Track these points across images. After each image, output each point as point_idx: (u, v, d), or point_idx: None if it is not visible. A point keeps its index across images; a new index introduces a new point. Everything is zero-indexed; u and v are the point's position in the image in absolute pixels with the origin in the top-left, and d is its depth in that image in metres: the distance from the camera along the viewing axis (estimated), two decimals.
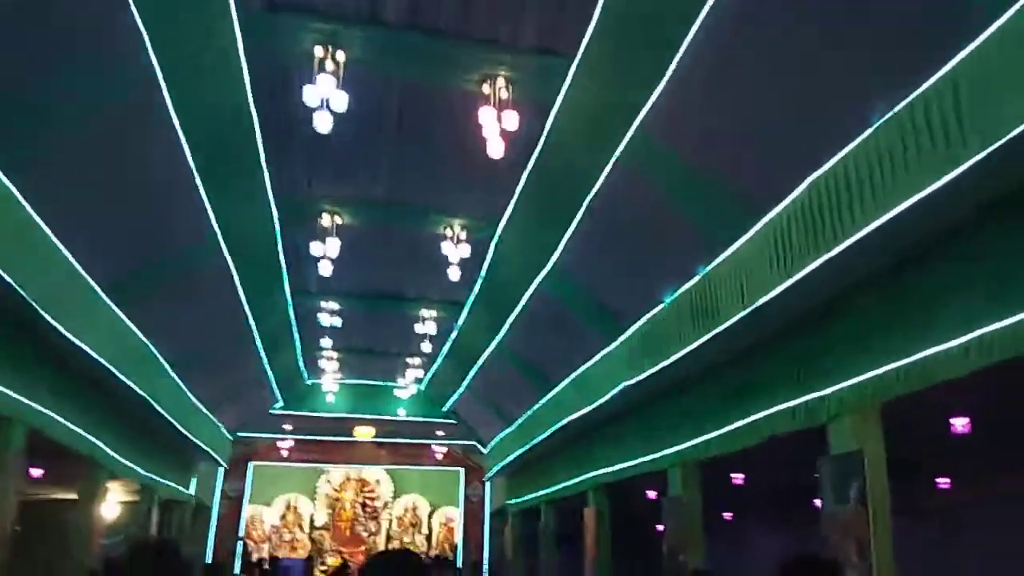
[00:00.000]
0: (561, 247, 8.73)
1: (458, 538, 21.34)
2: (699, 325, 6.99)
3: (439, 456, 20.52)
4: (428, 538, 22.39)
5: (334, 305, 12.01)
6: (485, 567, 19.97)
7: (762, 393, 6.92)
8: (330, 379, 16.25)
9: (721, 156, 6.32)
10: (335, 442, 20.27)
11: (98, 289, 7.82)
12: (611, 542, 11.54)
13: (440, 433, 19.78)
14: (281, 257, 9.57)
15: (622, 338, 9.00)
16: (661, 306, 7.92)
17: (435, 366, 15.17)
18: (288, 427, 18.93)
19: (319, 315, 11.90)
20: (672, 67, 5.96)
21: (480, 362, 13.28)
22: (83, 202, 6.52)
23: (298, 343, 13.49)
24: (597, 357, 9.77)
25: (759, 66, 5.55)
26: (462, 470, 21.25)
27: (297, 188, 8.60)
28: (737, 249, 6.34)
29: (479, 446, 18.94)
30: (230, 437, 17.71)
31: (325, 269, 9.04)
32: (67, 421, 8.73)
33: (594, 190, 7.57)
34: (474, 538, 20.71)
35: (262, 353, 12.49)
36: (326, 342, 12.28)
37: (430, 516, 22.59)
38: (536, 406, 12.83)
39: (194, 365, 11.27)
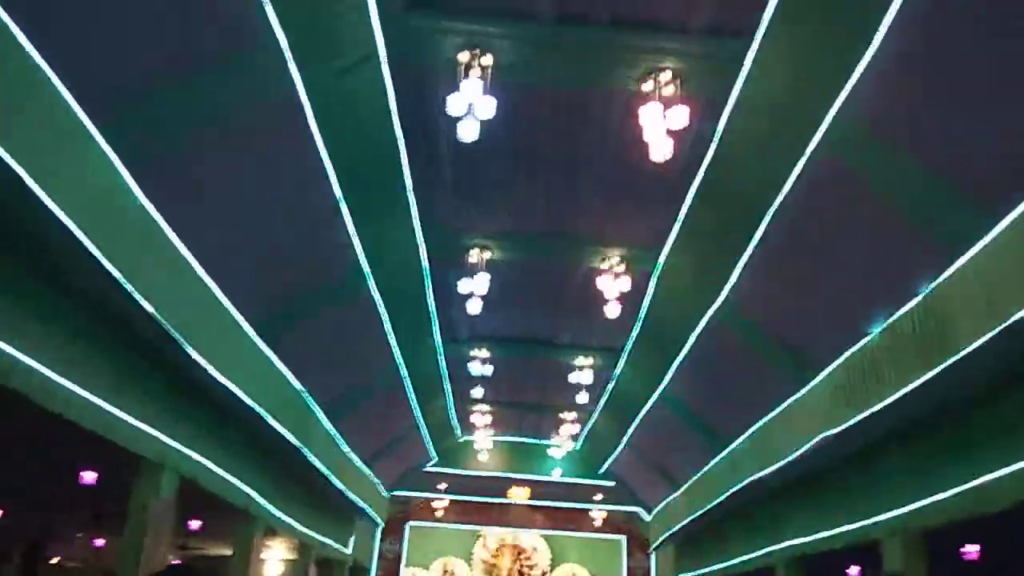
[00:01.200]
0: (736, 275, 7.61)
1: None
2: (925, 356, 5.61)
3: (598, 523, 19.14)
4: None
5: (484, 352, 11.41)
6: None
7: (1016, 439, 5.37)
8: (482, 435, 15.62)
9: (951, 142, 5.08)
10: (489, 503, 19.49)
11: (244, 323, 7.62)
12: None
13: (598, 496, 18.49)
14: (430, 293, 9.09)
15: (815, 381, 7.64)
16: (868, 338, 6.56)
17: (592, 420, 14.14)
18: (443, 486, 18.42)
19: (469, 364, 11.34)
20: (877, 40, 4.88)
21: (641, 415, 12.11)
22: (226, 229, 6.30)
23: (449, 394, 12.98)
24: (783, 406, 8.40)
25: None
26: (624, 538, 19.69)
27: (444, 216, 8.14)
28: (979, 254, 5.00)
29: (642, 512, 17.46)
30: (386, 495, 17.44)
31: (474, 307, 8.44)
32: (221, 470, 8.56)
33: (777, 201, 6.47)
34: None
35: (414, 403, 12.07)
36: (477, 392, 11.66)
37: None
38: (708, 466, 11.42)
39: (347, 414, 10.99)
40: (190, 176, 5.69)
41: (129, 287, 5.25)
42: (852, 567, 10.75)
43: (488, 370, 11.31)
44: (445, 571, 21.38)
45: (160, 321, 5.90)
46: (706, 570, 13.75)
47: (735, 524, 11.97)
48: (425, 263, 8.48)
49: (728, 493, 10.50)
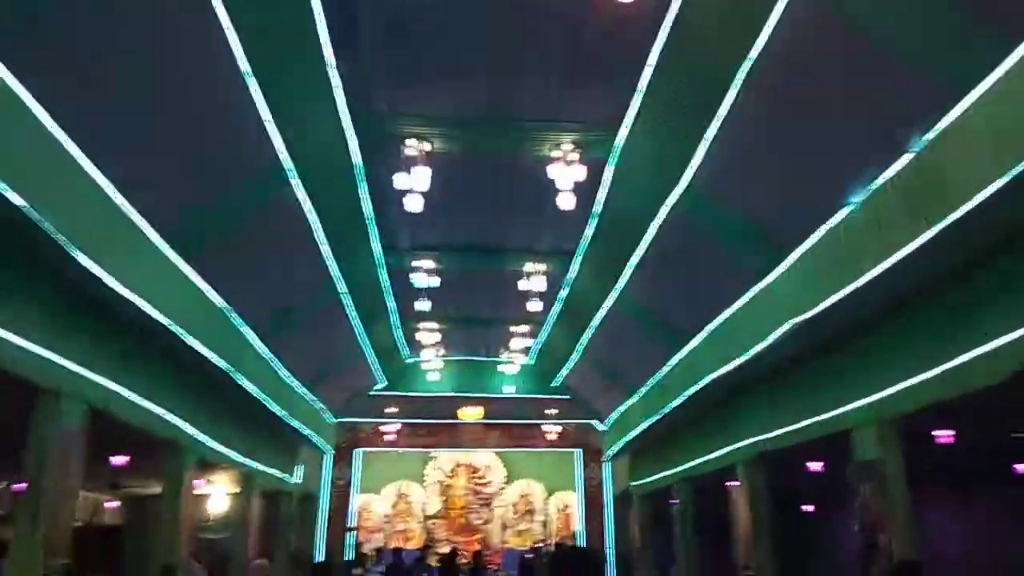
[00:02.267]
0: (701, 153, 6.92)
1: (578, 525, 19.76)
2: (914, 220, 5.05)
3: (553, 436, 18.95)
4: (545, 525, 20.93)
5: (429, 263, 10.60)
6: (610, 556, 18.26)
7: (1011, 309, 4.92)
8: (431, 355, 14.96)
9: None
10: (441, 424, 19.06)
11: (153, 233, 6.65)
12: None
13: (553, 411, 18.21)
14: (364, 192, 8.17)
15: (785, 265, 7.12)
16: (847, 210, 6.00)
17: (544, 332, 13.60)
18: (392, 409, 17.84)
19: (413, 275, 10.52)
20: None
21: (596, 321, 11.58)
22: (121, 124, 5.28)
23: (394, 310, 12.18)
24: (748, 296, 7.90)
25: None
26: (579, 451, 19.62)
27: (375, 101, 7.17)
28: (987, 95, 4.38)
29: (597, 423, 17.26)
30: (333, 421, 16.78)
31: (414, 204, 7.57)
32: (138, 397, 7.68)
33: (748, 61, 5.73)
34: (595, 524, 19.05)
35: (356, 320, 11.26)
36: (423, 306, 10.88)
37: (546, 502, 21.13)
38: (666, 368, 11.02)
39: (282, 334, 10.12)
40: (75, 62, 4.66)
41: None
42: (813, 462, 10.61)
43: (434, 281, 10.53)
44: (399, 495, 21.04)
45: (39, 223, 4.94)
46: (661, 475, 13.63)
47: (693, 427, 11.73)
48: (356, 156, 7.53)
49: (687, 394, 10.13)
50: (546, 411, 18.11)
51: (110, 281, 5.95)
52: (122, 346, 7.23)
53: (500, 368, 16.46)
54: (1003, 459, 10.16)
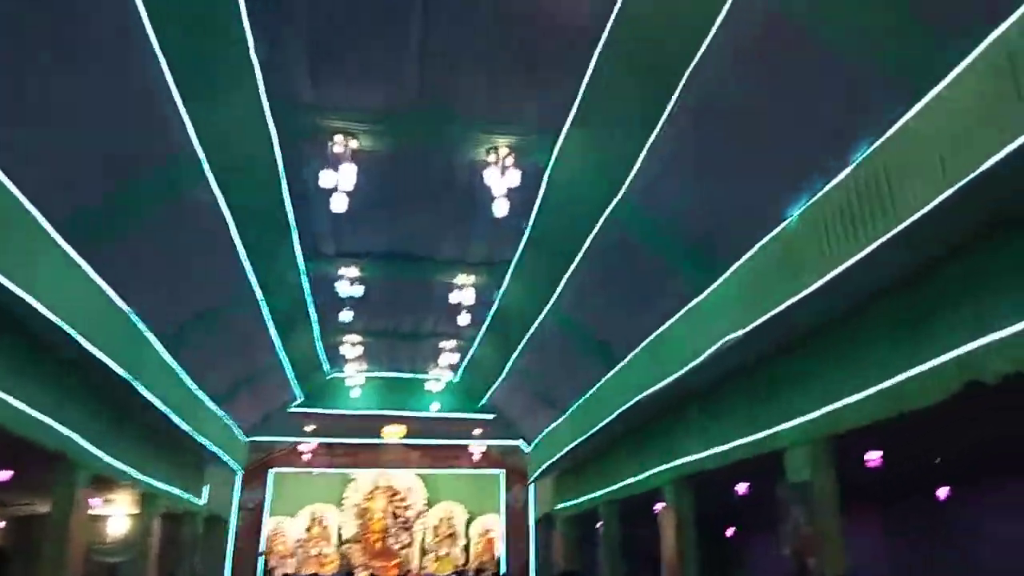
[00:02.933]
0: (639, 162, 6.74)
1: (500, 549, 19.28)
2: (855, 231, 4.95)
3: (476, 457, 18.47)
4: (466, 549, 20.37)
5: (353, 271, 10.10)
6: None
7: (955, 324, 4.84)
8: (354, 370, 14.35)
9: None
10: (362, 444, 18.32)
11: (43, 221, 5.98)
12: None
13: (477, 431, 17.77)
14: (284, 191, 7.66)
15: (721, 280, 6.97)
16: (786, 223, 5.89)
17: (473, 347, 13.21)
18: (309, 428, 17.05)
19: (337, 284, 10.00)
20: None
21: (527, 337, 11.27)
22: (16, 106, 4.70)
23: (315, 320, 11.58)
24: (683, 311, 7.74)
25: None
26: (502, 472, 19.20)
27: (297, 91, 6.71)
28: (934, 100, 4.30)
29: (523, 444, 16.91)
30: (244, 439, 15.87)
31: (339, 204, 7.11)
32: (21, 403, 6.90)
33: (691, 66, 5.58)
34: (517, 549, 18.60)
35: (272, 331, 10.61)
36: (346, 316, 10.33)
37: (468, 525, 20.59)
38: (596, 386, 10.79)
39: (190, 343, 9.41)
40: None
41: None
42: (740, 484, 10.53)
43: (358, 291, 10.03)
44: (314, 518, 20.15)
45: None
46: (586, 497, 13.37)
47: (622, 448, 11.51)
48: (277, 150, 7.03)
49: (616, 413, 9.90)
50: (473, 432, 17.66)
51: None
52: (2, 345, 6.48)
53: (426, 386, 15.95)
54: (928, 478, 10.33)
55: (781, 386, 6.93)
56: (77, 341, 6.91)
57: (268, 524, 18.60)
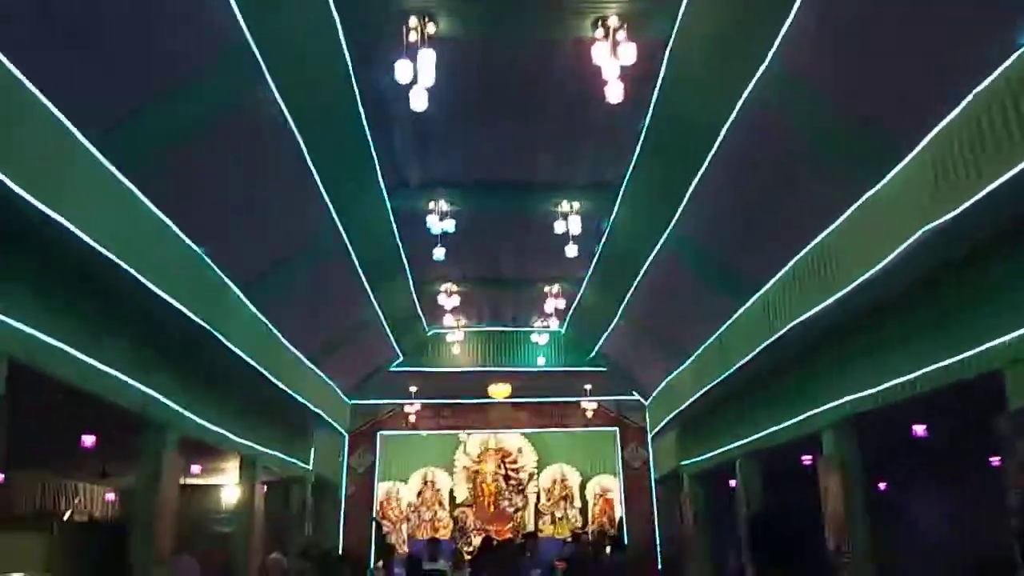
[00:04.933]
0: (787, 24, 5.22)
1: (620, 511, 18.11)
2: None
3: (589, 415, 17.28)
4: (583, 512, 19.35)
5: (443, 204, 8.98)
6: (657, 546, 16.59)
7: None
8: (453, 323, 13.36)
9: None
10: (467, 404, 17.49)
11: (85, 141, 5.11)
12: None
13: (588, 387, 16.55)
14: (356, 94, 6.51)
15: (905, 161, 5.39)
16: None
17: (581, 290, 11.92)
18: (414, 388, 16.31)
19: (427, 219, 8.92)
20: None
21: (642, 271, 9.87)
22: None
23: (406, 264, 10.55)
24: (854, 208, 6.17)
25: None
26: (616, 430, 17.95)
27: None
28: None
29: (639, 398, 15.56)
30: (348, 401, 15.28)
31: (419, 102, 5.93)
32: (95, 361, 6.21)
33: None
34: (637, 511, 17.37)
35: (362, 276, 9.66)
36: (439, 253, 9.20)
37: (583, 487, 19.55)
38: (729, 322, 9.31)
39: (272, 293, 8.57)
40: None
41: None
42: (913, 425, 8.87)
43: (449, 225, 8.91)
44: (425, 483, 19.62)
45: None
46: (719, 451, 11.93)
47: (760, 393, 10.00)
48: (343, 45, 5.90)
49: (758, 349, 8.41)
50: (583, 387, 16.45)
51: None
52: (53, 289, 5.73)
53: (532, 339, 14.82)
54: None
55: (1000, 284, 5.31)
56: (151, 290, 6.13)
57: (379, 489, 18.18)
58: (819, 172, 6.30)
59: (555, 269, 11.19)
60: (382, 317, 11.60)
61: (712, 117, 6.61)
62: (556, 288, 12.01)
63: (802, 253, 7.24)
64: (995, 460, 11.53)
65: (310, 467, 14.13)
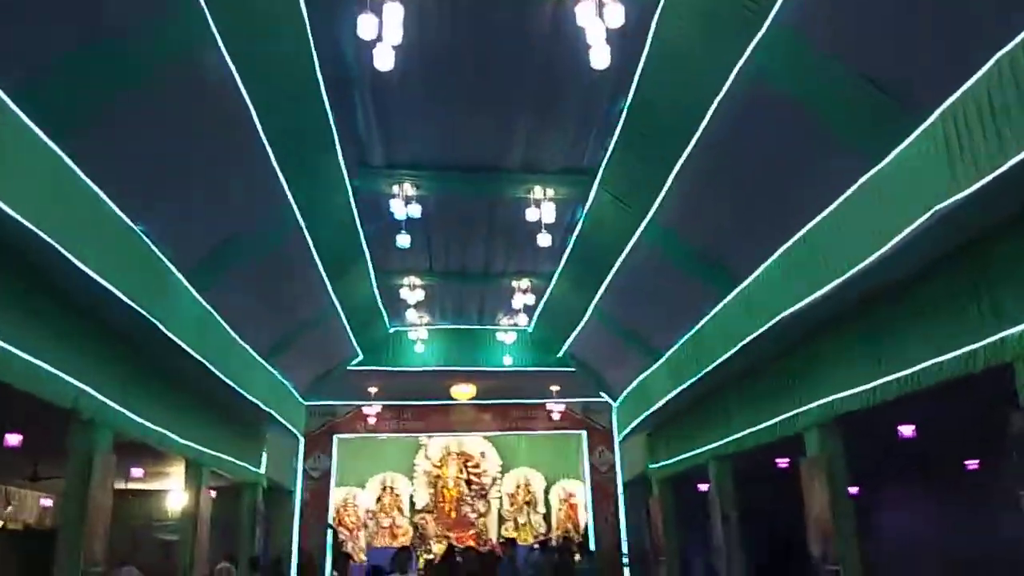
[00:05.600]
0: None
1: (585, 517, 17.64)
2: None
3: (556, 416, 16.78)
4: (547, 518, 18.85)
5: (409, 188, 8.39)
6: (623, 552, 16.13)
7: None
8: (416, 319, 12.74)
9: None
10: (430, 406, 16.85)
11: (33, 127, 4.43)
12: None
13: (555, 388, 16.05)
14: (314, 56, 5.91)
15: (916, 134, 4.98)
16: None
17: (551, 286, 11.41)
18: (373, 389, 15.62)
19: (391, 202, 8.31)
20: None
21: (617, 264, 9.39)
22: None
23: (366, 252, 9.89)
24: (851, 191, 5.75)
25: None
26: (583, 433, 17.49)
27: None
28: None
29: (607, 399, 15.11)
30: (303, 402, 14.53)
31: (384, 61, 5.33)
32: (18, 350, 5.49)
33: None
34: (604, 516, 16.90)
35: (318, 263, 9.00)
36: (403, 240, 8.55)
37: (547, 492, 19.06)
38: (708, 317, 8.87)
39: (216, 278, 7.87)
40: None
41: None
42: (898, 426, 8.53)
43: (415, 211, 8.32)
44: (384, 488, 18.96)
45: None
46: (690, 452, 11.51)
47: (736, 392, 9.61)
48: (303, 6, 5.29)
49: (739, 346, 7.96)
50: (550, 387, 15.94)
51: None
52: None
53: (497, 337, 14.26)
54: None
55: (1013, 269, 4.91)
56: (79, 269, 5.44)
57: (336, 494, 17.42)
58: (819, 150, 5.86)
59: (525, 262, 10.68)
60: (340, 311, 10.93)
61: (701, 91, 6.15)
62: (525, 283, 11.48)
63: (790, 242, 6.83)
64: (972, 463, 11.38)
65: (262, 471, 13.34)
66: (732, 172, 6.91)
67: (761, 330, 7.47)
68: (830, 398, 7.40)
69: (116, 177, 5.70)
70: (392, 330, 14.10)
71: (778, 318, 7.10)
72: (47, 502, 14.93)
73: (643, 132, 7.03)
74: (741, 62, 5.62)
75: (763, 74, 5.50)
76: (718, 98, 5.97)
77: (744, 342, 7.87)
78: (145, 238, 6.52)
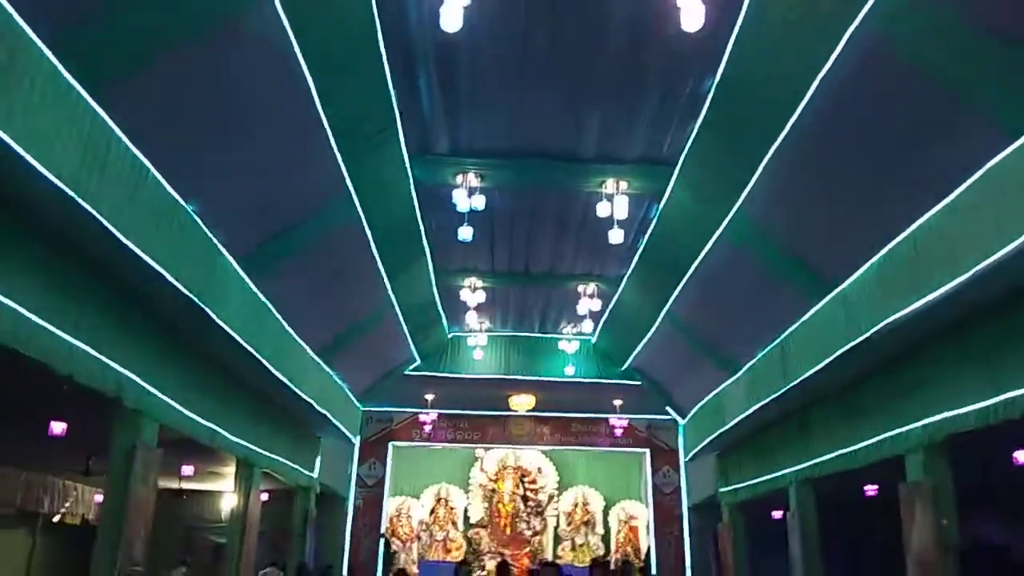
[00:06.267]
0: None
1: (647, 540, 16.73)
2: None
3: (618, 432, 16.01)
4: (605, 539, 17.99)
5: (472, 179, 7.89)
6: None
7: None
8: (475, 322, 12.22)
9: None
10: (487, 417, 16.30)
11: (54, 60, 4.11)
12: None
13: (618, 402, 15.30)
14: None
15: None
16: None
17: (619, 291, 10.75)
18: (430, 396, 15.17)
19: (454, 192, 7.83)
20: None
21: (693, 267, 8.68)
22: None
23: (426, 249, 9.44)
24: (978, 177, 4.98)
25: None
26: (647, 451, 16.63)
27: None
28: None
29: (673, 417, 14.29)
30: (359, 406, 14.17)
31: (451, 20, 4.84)
32: (60, 331, 5.19)
33: None
34: (667, 541, 15.98)
35: (378, 261, 8.59)
36: (465, 233, 8.03)
37: (606, 512, 18.20)
38: (796, 324, 8.08)
39: (272, 269, 7.52)
40: None
41: None
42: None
43: (479, 202, 7.82)
44: (438, 500, 18.41)
45: None
46: (769, 476, 10.62)
47: (825, 410, 8.73)
48: None
49: (833, 355, 7.16)
50: (613, 402, 15.21)
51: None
52: (20, 249, 4.72)
53: (559, 346, 13.64)
54: None
55: None
56: (125, 245, 5.12)
57: (390, 504, 16.99)
58: (943, 127, 5.10)
59: (593, 263, 10.08)
60: (398, 310, 10.49)
61: (803, 63, 5.47)
62: (592, 287, 10.85)
63: (899, 239, 6.04)
64: None
65: (315, 476, 13.01)
66: (833, 158, 6.17)
67: (861, 339, 6.67)
68: (938, 417, 6.54)
69: (162, 148, 5.36)
70: (451, 335, 13.63)
71: (882, 325, 6.30)
72: (101, 497, 14.92)
73: (732, 113, 6.36)
74: (853, 26, 4.93)
75: (882, 39, 4.80)
76: (822, 71, 5.27)
77: (838, 353, 7.07)
78: (196, 218, 6.19)
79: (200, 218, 6.21)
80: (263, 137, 5.95)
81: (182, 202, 5.90)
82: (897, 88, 4.99)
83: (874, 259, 6.41)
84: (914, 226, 5.75)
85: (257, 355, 7.94)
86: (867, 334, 6.55)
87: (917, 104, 5.01)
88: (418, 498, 18.14)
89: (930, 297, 5.63)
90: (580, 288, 10.93)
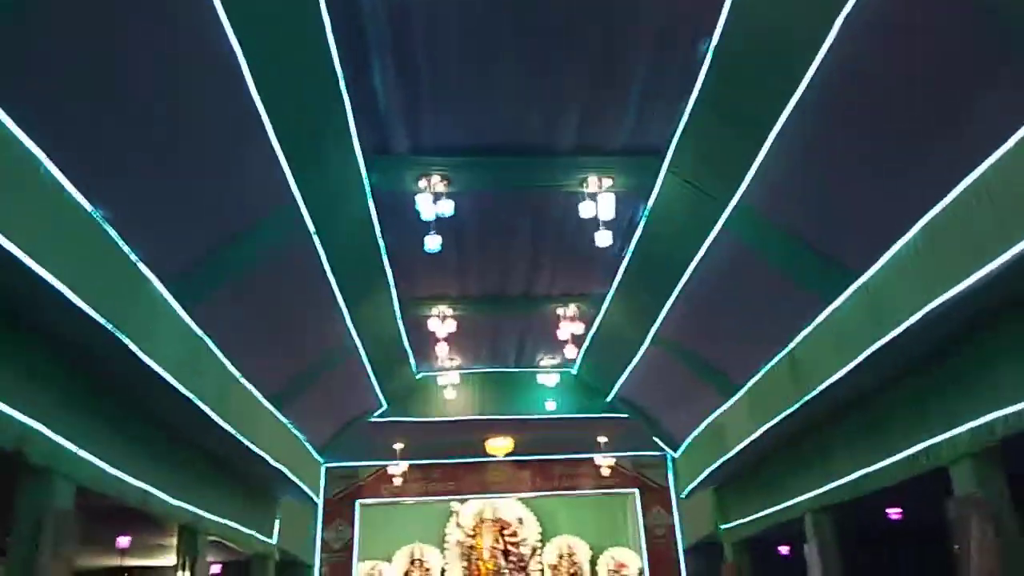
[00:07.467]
0: None
1: None
2: None
3: (604, 472, 14.93)
4: None
5: (439, 182, 6.96)
6: None
7: None
8: (445, 360, 11.15)
9: None
10: (462, 464, 15.10)
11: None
12: None
13: (603, 439, 14.27)
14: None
15: None
16: None
17: (602, 311, 9.84)
18: (399, 446, 13.93)
19: (418, 197, 6.86)
20: None
21: (686, 274, 7.83)
22: None
23: (389, 272, 8.41)
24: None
25: None
26: (636, 491, 15.53)
27: None
28: None
29: (664, 451, 13.28)
30: (321, 460, 12.86)
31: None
32: None
33: None
34: None
35: (335, 286, 7.55)
36: (432, 243, 6.93)
37: (593, 562, 16.96)
38: (807, 331, 7.24)
39: (205, 294, 6.43)
40: None
41: None
42: None
43: (446, 207, 6.88)
44: (412, 561, 16.97)
45: None
46: (779, 507, 9.64)
47: (844, 427, 7.86)
48: None
49: (860, 358, 6.30)
50: (598, 439, 14.15)
51: None
52: None
53: (538, 379, 12.63)
54: None
55: None
56: (15, 258, 4.06)
57: (359, 569, 15.53)
58: (1001, 69, 4.35)
59: (575, 279, 9.20)
60: (359, 344, 9.40)
61: (816, 17, 4.72)
62: (573, 309, 9.92)
63: (939, 207, 5.26)
64: None
65: (273, 541, 11.62)
66: (850, 130, 5.41)
67: (893, 335, 5.83)
68: (989, 417, 5.69)
69: (63, 140, 4.32)
70: (419, 375, 12.53)
71: (921, 314, 5.47)
72: None
73: (731, 83, 5.58)
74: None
75: None
76: (845, 7, 4.52)
77: (866, 354, 6.20)
78: (107, 226, 5.11)
79: (114, 227, 5.14)
80: (189, 133, 4.95)
81: (89, 207, 4.84)
82: (947, 22, 4.23)
83: (907, 237, 5.61)
84: (958, 189, 4.96)
85: (196, 401, 6.77)
86: (901, 327, 5.72)
87: (967, 40, 4.26)
88: (390, 561, 16.71)
89: (981, 273, 4.83)
90: (560, 311, 9.99)
